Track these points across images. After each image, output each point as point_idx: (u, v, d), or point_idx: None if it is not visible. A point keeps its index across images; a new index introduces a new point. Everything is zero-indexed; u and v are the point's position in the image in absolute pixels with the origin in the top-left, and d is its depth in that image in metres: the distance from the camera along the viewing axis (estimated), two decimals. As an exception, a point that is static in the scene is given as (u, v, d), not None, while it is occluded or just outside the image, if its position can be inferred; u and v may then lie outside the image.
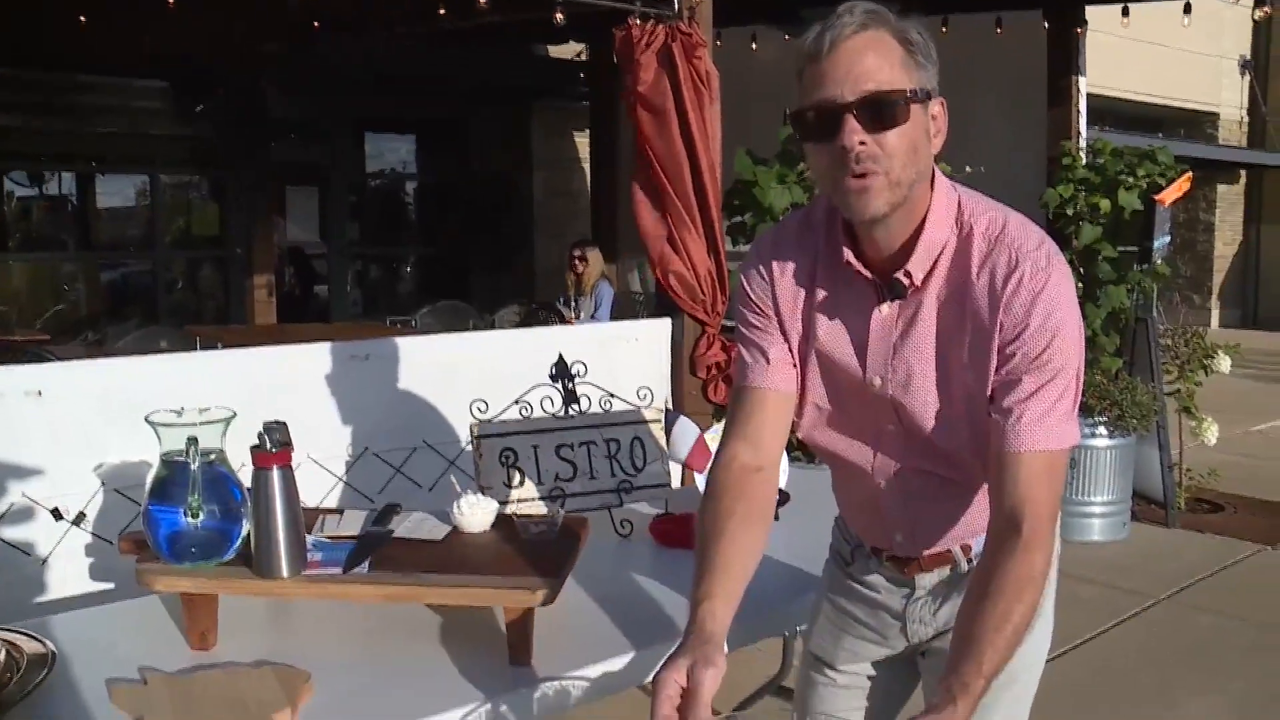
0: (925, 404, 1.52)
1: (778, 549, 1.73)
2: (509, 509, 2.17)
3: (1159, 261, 6.19)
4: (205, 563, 1.71)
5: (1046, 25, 7.72)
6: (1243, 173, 16.68)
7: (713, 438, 2.36)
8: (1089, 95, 8.02)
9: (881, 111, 1.37)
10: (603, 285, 7.37)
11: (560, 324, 7.09)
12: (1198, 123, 15.89)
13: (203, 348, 6.09)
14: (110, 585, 2.66)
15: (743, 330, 1.62)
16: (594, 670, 1.72)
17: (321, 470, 3.08)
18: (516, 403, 2.41)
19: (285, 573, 1.71)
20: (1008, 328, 1.43)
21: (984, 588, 1.35)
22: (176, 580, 1.73)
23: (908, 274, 1.48)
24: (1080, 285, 6.05)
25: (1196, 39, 13.10)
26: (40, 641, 1.67)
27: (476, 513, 1.93)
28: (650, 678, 1.35)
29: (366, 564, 1.75)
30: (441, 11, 6.72)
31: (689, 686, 1.27)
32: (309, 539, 1.79)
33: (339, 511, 2.01)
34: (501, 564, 1.78)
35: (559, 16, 5.53)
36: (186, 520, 1.67)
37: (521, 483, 2.34)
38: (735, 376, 1.64)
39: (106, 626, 1.90)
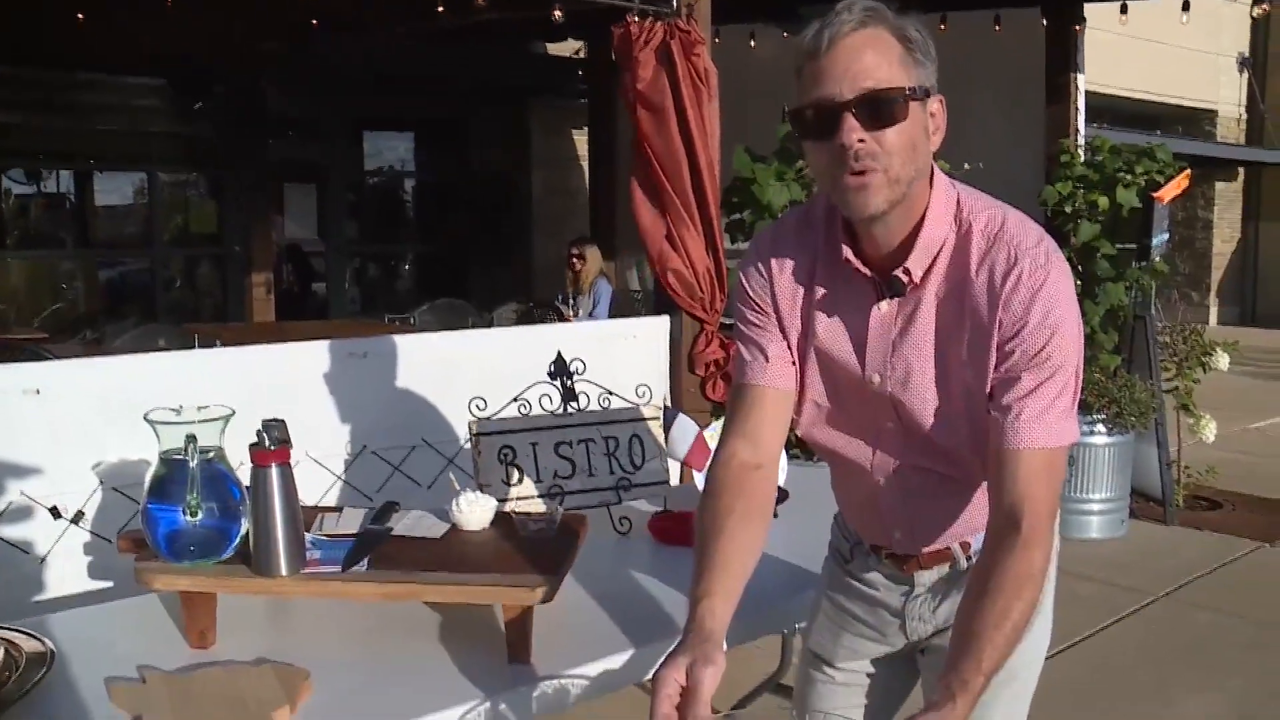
0: (924, 401, 1.52)
1: (777, 546, 1.73)
2: (508, 507, 2.17)
3: (1157, 259, 6.19)
4: (204, 561, 1.71)
5: (1045, 22, 7.72)
6: (1241, 170, 16.70)
7: (711, 435, 2.36)
8: (1087, 92, 8.02)
9: (880, 109, 1.37)
10: (601, 283, 7.36)
11: (559, 322, 7.09)
12: (1196, 120, 15.90)
13: (201, 346, 6.09)
14: (109, 584, 2.67)
15: (741, 328, 1.62)
16: (593, 668, 1.72)
17: (320, 468, 3.08)
18: (515, 400, 2.41)
19: (284, 571, 1.71)
20: (1007, 325, 1.43)
21: (983, 585, 1.35)
22: (175, 579, 1.73)
23: (907, 271, 1.48)
24: (1079, 283, 6.05)
25: (1195, 36, 13.10)
26: (39, 640, 1.67)
27: (475, 510, 1.93)
28: (649, 675, 1.35)
29: (365, 562, 1.75)
30: (440, 9, 6.71)
31: (688, 684, 1.27)
32: (308, 537, 1.78)
33: (338, 509, 2.01)
34: (500, 562, 1.77)
35: (557, 14, 5.54)
36: (185, 519, 1.67)
37: (520, 480, 2.34)
38: (734, 374, 1.64)
39: (105, 625, 1.89)
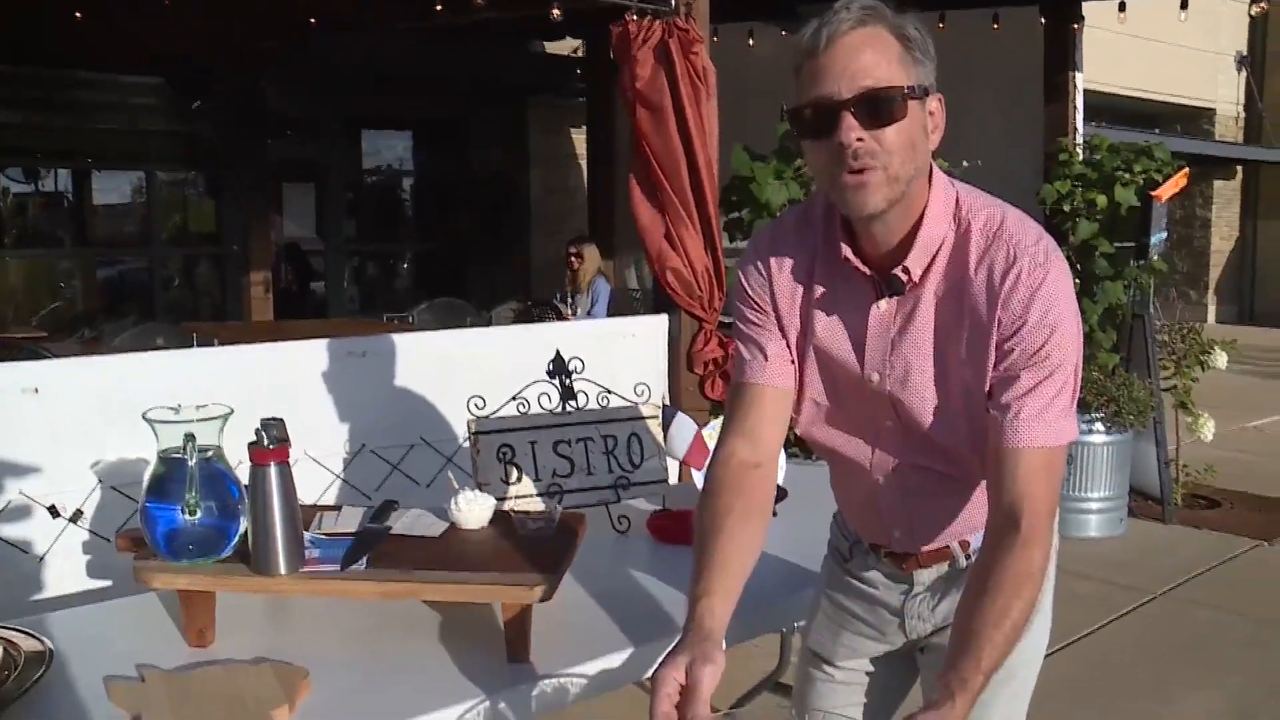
0: (923, 400, 1.51)
1: (776, 545, 1.73)
2: (506, 505, 2.17)
3: (1156, 257, 6.20)
4: (203, 560, 1.71)
5: (1043, 21, 7.72)
6: (1239, 168, 16.71)
7: (710, 434, 2.36)
8: (1086, 91, 8.03)
9: (879, 108, 1.37)
10: (600, 281, 7.37)
11: (557, 320, 7.09)
12: (1194, 118, 15.91)
13: (200, 345, 6.09)
14: (108, 583, 2.67)
15: (740, 326, 1.62)
16: (592, 667, 1.72)
17: (319, 467, 3.08)
18: (514, 399, 2.41)
19: (283, 570, 1.70)
20: (1006, 323, 1.43)
21: (983, 584, 1.35)
22: (174, 577, 1.73)
23: (906, 270, 1.47)
24: (1077, 281, 6.03)
25: (1193, 35, 13.11)
26: (38, 639, 1.67)
27: (474, 509, 1.93)
28: (649, 674, 1.35)
29: (364, 561, 1.75)
30: (439, 8, 6.71)
31: (688, 683, 1.27)
32: (306, 536, 1.78)
33: (336, 508, 2.01)
34: (499, 560, 1.77)
35: (556, 12, 5.54)
36: (184, 517, 1.67)
37: (519, 479, 2.34)
38: (733, 373, 1.64)
39: (104, 624, 1.89)
